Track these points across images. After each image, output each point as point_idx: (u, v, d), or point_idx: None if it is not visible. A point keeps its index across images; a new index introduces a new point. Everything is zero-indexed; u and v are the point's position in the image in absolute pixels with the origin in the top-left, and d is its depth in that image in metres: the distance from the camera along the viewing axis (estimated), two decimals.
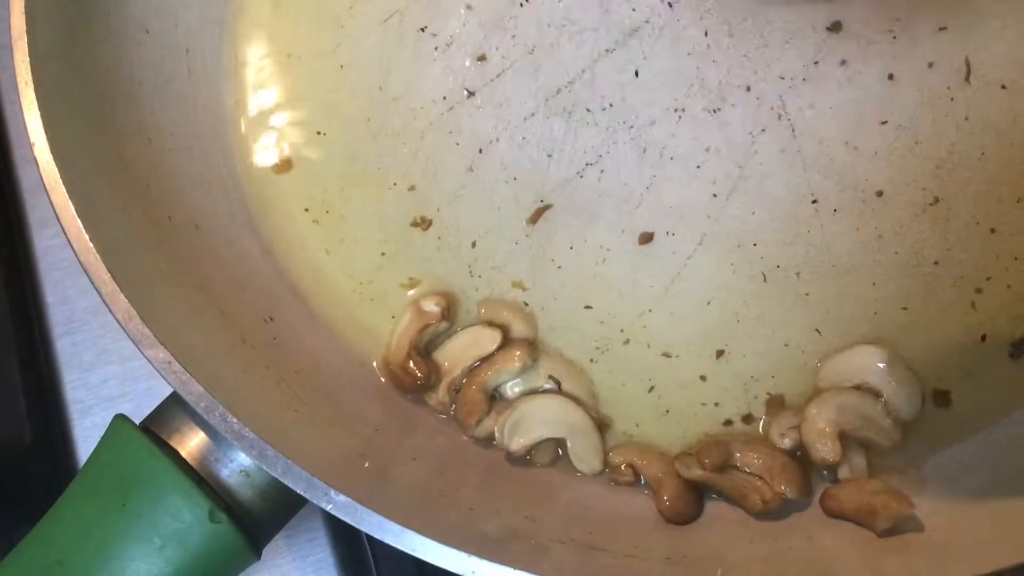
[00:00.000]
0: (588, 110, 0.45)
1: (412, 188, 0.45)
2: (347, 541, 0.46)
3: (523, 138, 0.45)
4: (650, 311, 0.43)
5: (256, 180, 0.45)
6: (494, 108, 0.45)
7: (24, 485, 0.46)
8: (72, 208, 0.34)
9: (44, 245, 0.51)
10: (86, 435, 0.48)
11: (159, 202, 0.40)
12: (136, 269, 0.36)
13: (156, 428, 0.35)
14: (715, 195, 0.43)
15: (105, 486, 0.34)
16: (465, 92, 0.45)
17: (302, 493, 0.32)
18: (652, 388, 0.42)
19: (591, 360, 0.43)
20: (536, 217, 0.44)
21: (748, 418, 0.41)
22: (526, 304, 0.44)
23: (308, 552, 0.46)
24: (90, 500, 0.34)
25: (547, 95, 0.45)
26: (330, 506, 0.32)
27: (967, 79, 0.42)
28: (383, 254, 0.44)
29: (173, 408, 0.36)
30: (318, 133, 0.46)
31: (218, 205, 0.43)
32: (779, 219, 0.43)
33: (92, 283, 0.34)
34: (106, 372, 0.49)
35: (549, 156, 0.44)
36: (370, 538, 0.47)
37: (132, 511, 0.33)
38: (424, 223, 0.44)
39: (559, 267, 0.44)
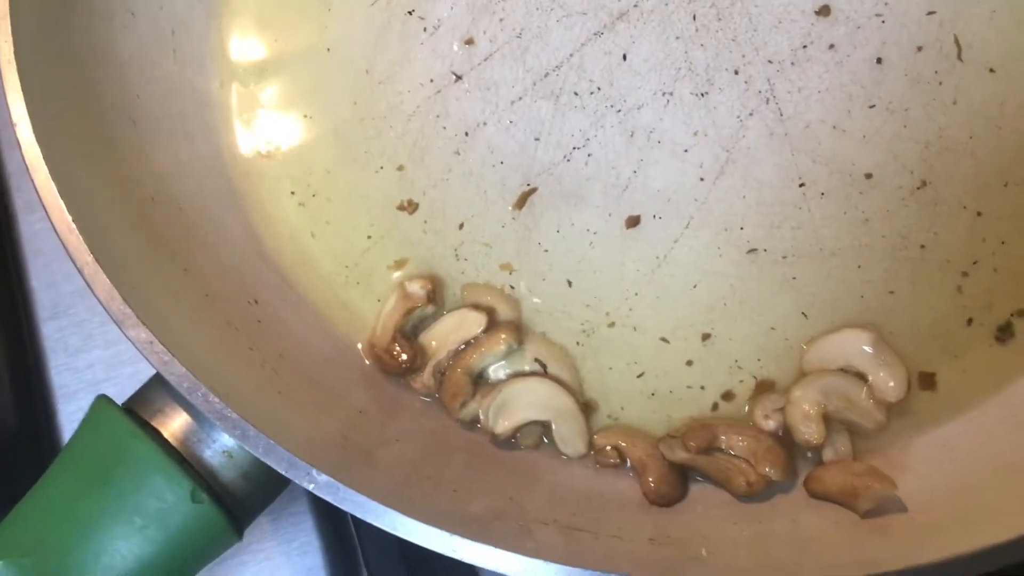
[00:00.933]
0: (576, 94, 0.45)
1: (399, 170, 0.45)
2: (333, 525, 0.46)
3: (510, 121, 0.44)
4: (636, 295, 0.43)
5: (241, 163, 0.45)
6: (481, 92, 0.45)
7: (9, 469, 0.46)
8: (54, 188, 0.34)
9: (29, 230, 0.51)
10: (71, 419, 0.48)
11: (142, 184, 0.40)
12: (119, 250, 0.36)
13: (139, 409, 0.35)
14: (702, 179, 0.43)
15: (87, 466, 0.34)
16: (452, 76, 0.45)
17: (284, 473, 0.32)
18: (638, 371, 0.42)
19: (577, 343, 0.43)
20: (523, 201, 0.44)
21: (733, 401, 0.41)
22: (512, 287, 0.43)
23: (293, 536, 0.46)
24: (71, 480, 0.34)
25: (535, 79, 0.45)
26: (312, 485, 0.32)
27: (959, 57, 0.42)
28: (369, 237, 0.44)
29: (156, 389, 0.36)
30: (304, 116, 0.46)
31: (203, 188, 0.43)
32: (766, 203, 0.43)
33: (73, 262, 0.33)
34: (91, 357, 0.49)
35: (536, 140, 0.44)
36: (356, 522, 0.47)
37: (113, 491, 0.33)
38: (410, 206, 0.44)
39: (545, 250, 0.43)
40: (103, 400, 0.35)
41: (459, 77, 0.45)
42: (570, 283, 0.43)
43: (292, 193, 0.45)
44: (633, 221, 0.43)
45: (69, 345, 0.49)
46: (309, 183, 0.45)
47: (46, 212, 0.34)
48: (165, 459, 0.33)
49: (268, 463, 0.32)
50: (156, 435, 0.34)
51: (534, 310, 0.43)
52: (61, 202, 0.34)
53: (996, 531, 0.32)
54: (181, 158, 0.42)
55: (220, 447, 0.34)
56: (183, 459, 0.34)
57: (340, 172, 0.45)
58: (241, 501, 0.35)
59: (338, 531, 0.46)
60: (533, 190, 0.44)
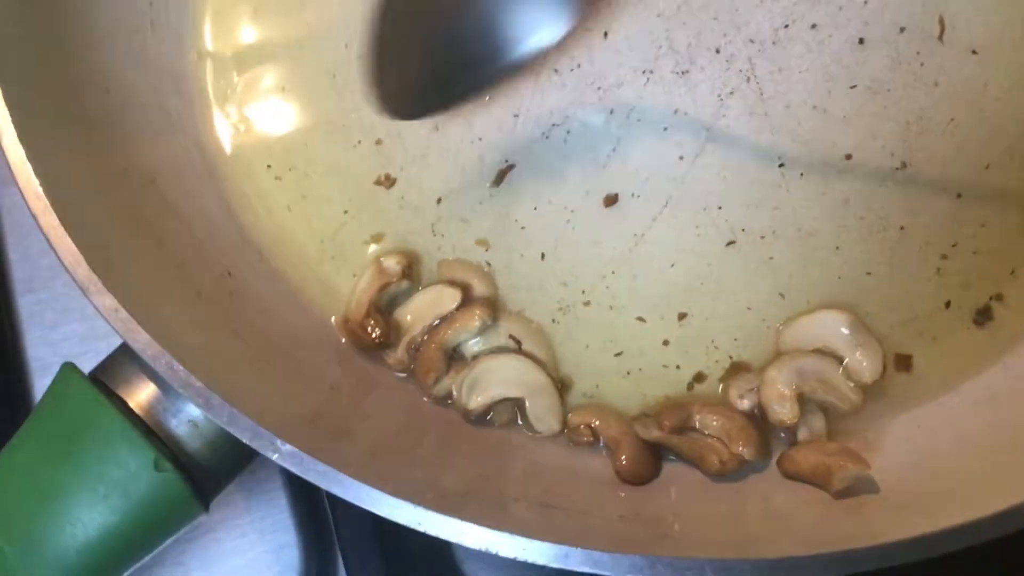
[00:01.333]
0: (556, 71, 0.44)
1: (377, 144, 0.44)
2: (306, 502, 0.46)
3: (489, 97, 0.44)
4: (613, 273, 0.42)
5: (217, 136, 0.45)
6: None
7: None
8: (22, 151, 0.34)
9: (7, 202, 0.51)
10: None
11: (115, 154, 0.40)
12: (88, 217, 0.35)
13: (105, 378, 0.35)
14: (681, 157, 0.43)
15: (51, 434, 0.33)
16: None
17: (248, 442, 0.32)
18: (613, 350, 0.42)
19: (552, 321, 0.42)
20: (501, 177, 0.43)
21: (707, 381, 0.41)
22: (488, 264, 0.43)
23: (267, 513, 0.46)
24: (36, 448, 0.33)
25: None
26: (276, 455, 0.31)
27: (940, 38, 0.42)
28: (346, 212, 0.44)
29: (122, 359, 0.35)
30: (282, 89, 0.45)
31: (177, 160, 0.43)
32: (745, 183, 0.43)
33: (40, 227, 0.33)
34: (68, 330, 0.48)
35: (515, 116, 0.44)
36: (330, 499, 0.47)
37: (77, 459, 0.33)
38: (388, 181, 0.44)
39: (523, 228, 0.43)
40: (69, 368, 0.34)
41: None
42: (546, 261, 0.43)
43: (268, 167, 0.44)
44: (611, 200, 0.43)
45: (45, 319, 0.49)
46: (286, 157, 0.44)
47: (12, 175, 0.33)
48: (129, 427, 0.33)
49: (232, 432, 0.32)
50: (121, 404, 0.34)
51: (510, 287, 0.43)
52: (29, 166, 0.34)
53: (966, 511, 0.31)
54: (156, 129, 0.42)
55: (186, 417, 0.34)
56: (148, 429, 0.33)
57: (317, 146, 0.44)
58: (207, 471, 0.34)
59: (311, 508, 0.46)
60: (511, 167, 0.43)
